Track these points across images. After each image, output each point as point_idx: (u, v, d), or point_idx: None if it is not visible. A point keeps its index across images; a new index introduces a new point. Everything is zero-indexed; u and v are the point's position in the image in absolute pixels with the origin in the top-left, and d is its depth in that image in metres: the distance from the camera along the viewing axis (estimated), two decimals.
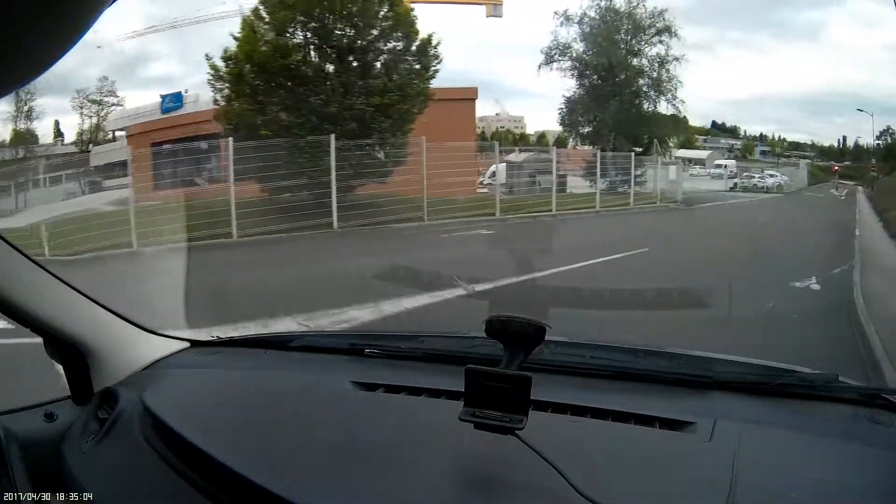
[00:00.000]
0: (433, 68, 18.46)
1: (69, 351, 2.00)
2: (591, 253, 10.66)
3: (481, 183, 22.94)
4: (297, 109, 16.33)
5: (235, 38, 17.38)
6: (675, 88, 27.27)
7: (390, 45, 18.13)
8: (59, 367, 2.08)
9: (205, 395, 2.07)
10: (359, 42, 17.78)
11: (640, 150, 25.72)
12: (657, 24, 27.40)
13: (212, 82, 17.56)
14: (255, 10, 17.50)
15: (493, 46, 47.75)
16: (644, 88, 27.89)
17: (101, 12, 0.73)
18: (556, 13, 27.53)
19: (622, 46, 27.66)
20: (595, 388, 1.87)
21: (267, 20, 17.44)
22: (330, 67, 17.56)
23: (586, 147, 27.65)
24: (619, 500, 1.30)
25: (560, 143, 30.98)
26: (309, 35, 17.71)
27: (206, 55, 17.54)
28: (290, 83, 16.80)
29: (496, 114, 37.73)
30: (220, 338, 2.51)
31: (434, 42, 18.24)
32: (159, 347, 2.30)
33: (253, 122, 15.97)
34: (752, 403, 1.77)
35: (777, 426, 1.66)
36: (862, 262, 10.33)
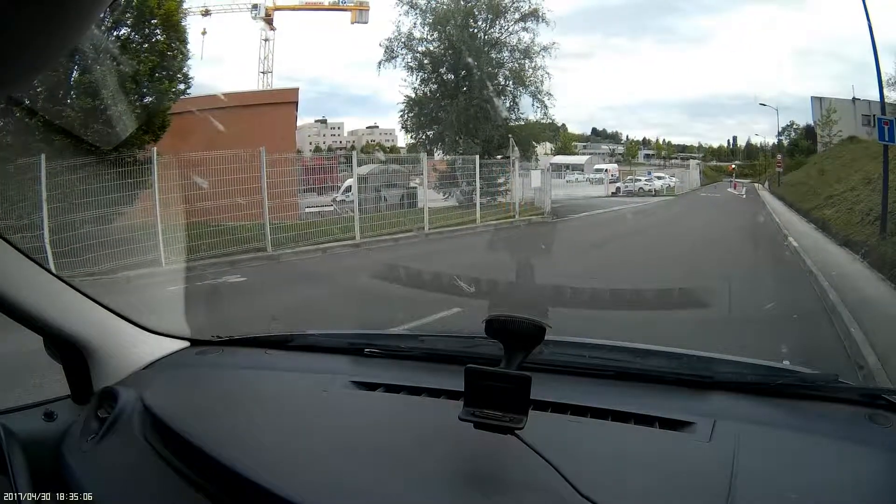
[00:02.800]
0: (178, 50, 14.34)
1: (69, 350, 2.00)
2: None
3: (334, 200, 20.64)
4: None
5: None
6: (541, 81, 24.42)
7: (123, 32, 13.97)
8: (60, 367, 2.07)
9: (205, 395, 2.08)
10: None
11: (502, 155, 22.76)
12: (521, 7, 24.21)
13: None
14: None
15: (365, 59, 46.74)
16: (503, 82, 24.64)
17: (100, 13, 0.73)
18: (398, 0, 24.23)
19: (479, 36, 24.24)
20: (595, 388, 1.87)
21: None
22: None
23: (442, 155, 23.87)
24: (619, 500, 1.30)
25: (412, 149, 27.22)
26: None
27: None
28: None
29: (367, 127, 37.58)
30: (220, 337, 2.51)
31: (180, 14, 14.27)
32: (159, 347, 2.31)
33: None
34: (751, 403, 1.77)
35: (777, 426, 1.66)
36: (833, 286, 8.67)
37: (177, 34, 14.40)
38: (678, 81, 49.74)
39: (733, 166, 37.48)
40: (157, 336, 2.33)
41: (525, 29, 24.48)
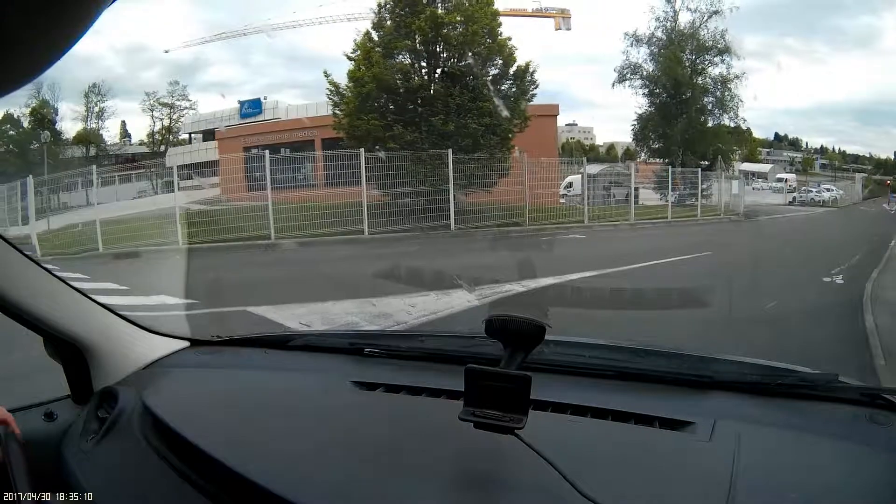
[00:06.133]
0: (531, 92, 21.77)
1: (69, 350, 2.00)
2: (666, 254, 13.73)
3: (564, 195, 25.15)
4: (417, 126, 19.63)
5: (350, 58, 20.93)
6: (738, 107, 30.59)
7: (494, 71, 21.53)
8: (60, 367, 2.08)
9: (205, 395, 2.07)
10: (466, 68, 20.51)
11: (707, 164, 28.12)
12: (719, 45, 29.89)
13: (330, 97, 21.25)
14: (367, 34, 21.12)
15: (562, 58, 48.76)
16: (709, 106, 30.40)
17: (100, 12, 0.73)
18: (626, 34, 31.23)
19: (687, 66, 30.05)
20: (595, 387, 1.87)
21: (378, 44, 20.70)
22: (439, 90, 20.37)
23: (655, 161, 30.58)
24: (619, 500, 1.30)
25: (629, 156, 34.53)
26: (423, 61, 21.04)
27: (325, 72, 21.23)
28: (412, 104, 20.20)
29: (566, 125, 40.76)
30: (220, 337, 2.52)
31: (531, 69, 21.46)
32: (159, 347, 2.30)
33: (380, 137, 19.25)
34: (751, 403, 1.77)
35: (777, 426, 1.65)
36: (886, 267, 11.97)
37: (522, 72, 21.64)
38: (847, 85, 49.85)
39: (889, 181, 37.81)
40: (156, 336, 2.33)
41: (723, 61, 30.48)
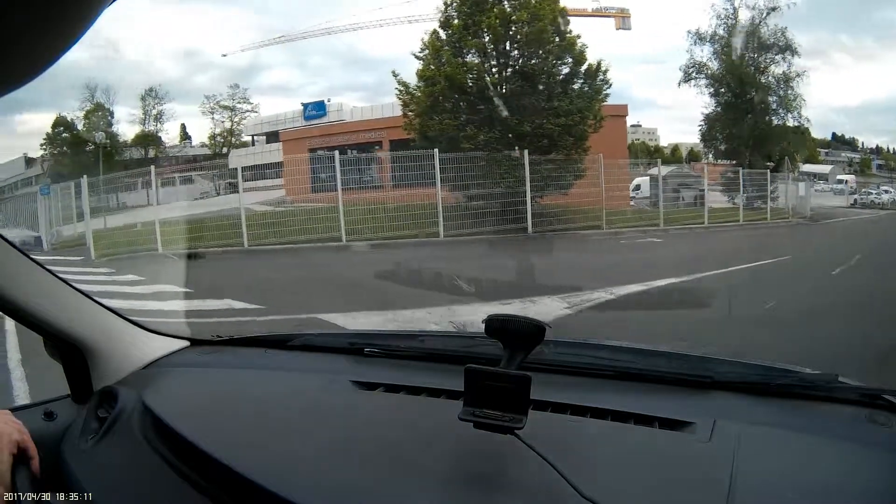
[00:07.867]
0: (605, 92, 20.95)
1: (69, 350, 2.01)
2: (746, 259, 13.48)
3: (633, 197, 25.22)
4: (490, 126, 19.26)
5: (418, 58, 20.66)
6: (800, 106, 29.86)
7: (565, 71, 21.00)
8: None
9: (204, 395, 2.08)
10: (539, 67, 20.27)
11: (773, 165, 28.09)
12: (779, 42, 29.74)
13: (400, 97, 20.88)
14: (434, 33, 20.65)
15: (623, 58, 48.81)
16: (773, 106, 30.16)
17: (101, 12, 0.73)
18: (688, 32, 30.75)
19: (750, 64, 29.96)
20: (595, 388, 1.86)
21: (447, 43, 20.29)
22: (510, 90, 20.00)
23: (722, 162, 30.40)
24: (619, 500, 1.30)
25: (693, 157, 34.79)
26: (493, 60, 20.47)
27: (393, 72, 20.95)
28: (484, 103, 19.61)
29: (631, 126, 40.34)
30: (220, 337, 2.53)
31: (603, 68, 20.84)
32: (159, 347, 2.31)
33: (454, 137, 18.94)
34: (751, 403, 1.77)
35: (776, 426, 1.64)
36: None
37: (594, 71, 20.93)
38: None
39: None
40: (156, 336, 2.34)
41: (783, 59, 29.85)
